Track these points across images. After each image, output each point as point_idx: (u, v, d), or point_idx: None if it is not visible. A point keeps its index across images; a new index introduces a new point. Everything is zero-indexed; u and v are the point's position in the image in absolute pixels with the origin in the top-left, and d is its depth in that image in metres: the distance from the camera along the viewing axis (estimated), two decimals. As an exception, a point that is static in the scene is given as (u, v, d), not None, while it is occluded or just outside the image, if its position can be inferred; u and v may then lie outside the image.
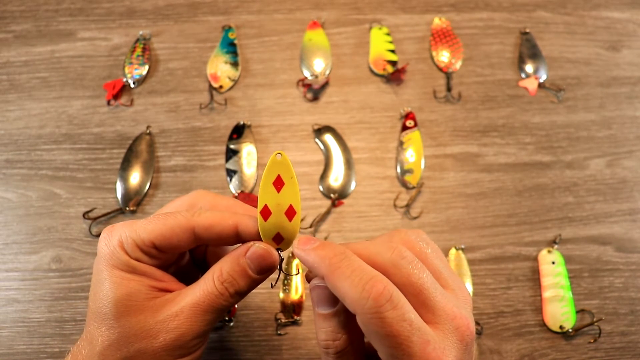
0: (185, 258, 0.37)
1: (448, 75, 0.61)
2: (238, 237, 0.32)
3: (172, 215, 0.32)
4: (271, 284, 0.35)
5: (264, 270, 0.32)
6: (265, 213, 0.31)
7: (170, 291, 0.33)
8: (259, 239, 0.32)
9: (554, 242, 0.53)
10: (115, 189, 0.53)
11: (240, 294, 0.32)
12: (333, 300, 0.30)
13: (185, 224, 0.31)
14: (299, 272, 0.50)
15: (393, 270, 0.29)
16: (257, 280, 0.32)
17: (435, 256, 0.32)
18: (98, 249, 0.32)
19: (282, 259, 0.32)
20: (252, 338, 0.48)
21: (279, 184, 0.31)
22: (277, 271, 0.33)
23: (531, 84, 0.61)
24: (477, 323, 0.49)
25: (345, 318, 0.30)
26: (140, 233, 0.31)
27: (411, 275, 0.29)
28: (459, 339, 0.29)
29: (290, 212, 0.31)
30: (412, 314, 0.27)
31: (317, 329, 0.31)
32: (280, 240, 0.32)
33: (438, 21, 0.64)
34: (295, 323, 0.48)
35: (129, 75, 0.59)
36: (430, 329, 0.28)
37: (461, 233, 0.53)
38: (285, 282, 0.49)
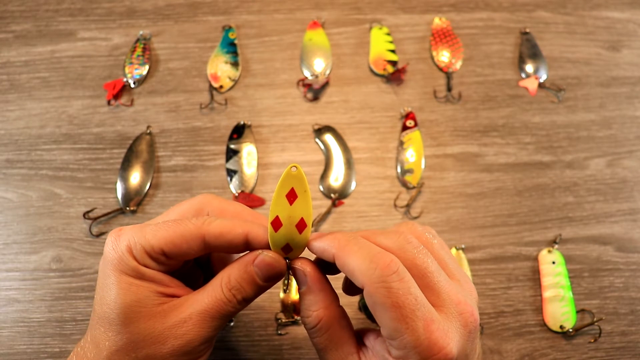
0: (190, 261, 0.37)
1: (448, 75, 0.61)
2: (247, 246, 0.32)
3: (183, 223, 0.31)
4: (283, 290, 0.36)
5: (271, 278, 0.32)
6: (276, 224, 0.31)
7: (177, 296, 0.33)
8: (268, 248, 0.32)
9: (554, 242, 0.53)
10: (115, 189, 0.53)
11: (247, 301, 0.33)
12: (304, 280, 0.32)
13: (196, 232, 0.31)
14: None
15: (398, 253, 0.30)
16: (263, 287, 0.33)
17: (441, 247, 0.33)
18: (104, 252, 0.32)
19: (289, 268, 0.32)
20: (252, 338, 0.48)
21: (292, 196, 0.31)
22: (286, 276, 0.33)
23: (531, 84, 0.61)
24: (477, 323, 0.49)
25: (315, 296, 0.32)
26: (149, 239, 0.31)
27: (416, 259, 0.30)
28: (463, 325, 0.29)
29: (301, 225, 0.31)
30: (417, 290, 0.28)
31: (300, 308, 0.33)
32: (289, 250, 0.32)
33: (438, 21, 0.64)
34: (295, 323, 0.48)
35: (129, 75, 0.59)
36: (434, 310, 0.29)
37: (461, 233, 0.53)
38: (286, 282, 0.49)
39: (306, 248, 0.33)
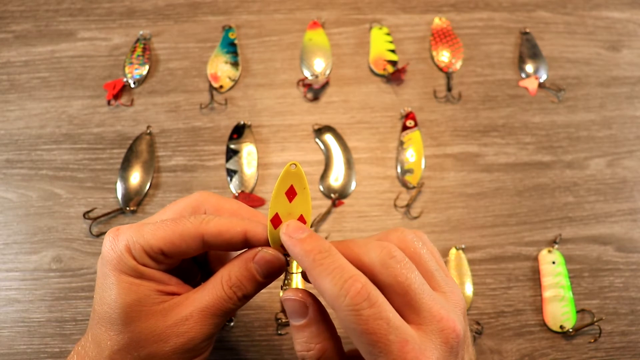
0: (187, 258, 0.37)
1: (448, 75, 0.61)
2: (246, 243, 0.32)
3: (181, 222, 0.31)
4: (281, 287, 0.36)
5: (271, 274, 0.32)
6: (276, 221, 0.31)
7: (176, 294, 0.33)
8: (267, 245, 0.32)
9: (554, 242, 0.53)
10: (115, 189, 0.53)
11: (247, 298, 0.33)
12: (304, 312, 0.31)
13: (194, 231, 0.31)
14: (299, 268, 0.50)
15: (380, 269, 0.29)
16: (263, 284, 0.33)
17: (429, 257, 0.32)
18: (103, 251, 0.32)
19: (288, 264, 0.32)
20: (252, 338, 0.48)
21: (291, 194, 0.31)
22: (285, 274, 0.33)
23: (531, 84, 0.61)
24: (477, 323, 0.49)
25: (318, 328, 0.31)
26: (148, 239, 0.31)
27: (398, 275, 0.29)
28: (443, 341, 0.29)
29: (301, 222, 0.31)
30: (390, 313, 0.27)
31: (293, 341, 0.32)
32: None
33: (438, 21, 0.64)
34: (295, 323, 0.48)
35: (129, 75, 0.59)
36: (411, 329, 0.28)
37: (461, 233, 0.53)
38: (286, 282, 0.49)
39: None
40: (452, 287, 0.32)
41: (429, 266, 0.32)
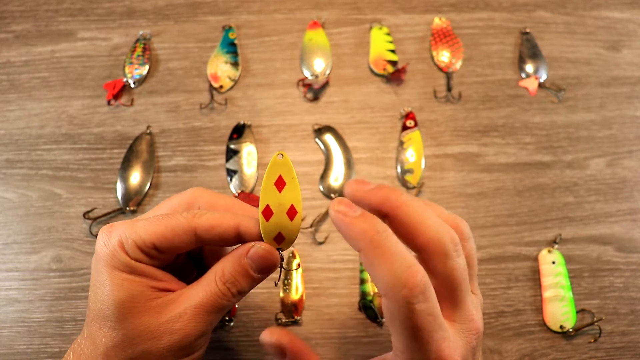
0: (182, 255, 0.37)
1: (448, 75, 0.61)
2: (239, 238, 0.32)
3: (174, 217, 0.32)
4: (275, 283, 0.36)
5: (265, 270, 0.32)
6: (267, 213, 0.31)
7: (170, 290, 0.33)
8: (260, 240, 0.32)
9: (554, 242, 0.53)
10: (115, 189, 0.53)
11: (242, 294, 0.33)
12: (281, 355, 0.31)
13: (187, 226, 0.31)
14: (299, 267, 0.50)
15: (441, 257, 0.28)
16: (258, 279, 0.33)
17: (474, 254, 0.32)
18: (96, 248, 0.32)
19: (282, 259, 0.32)
20: (252, 338, 0.48)
21: (280, 184, 0.31)
22: (278, 270, 0.33)
23: (531, 84, 0.61)
24: (477, 323, 0.49)
25: None
26: (140, 234, 0.31)
27: (455, 270, 0.29)
28: (468, 341, 0.29)
29: (292, 212, 0.31)
30: (438, 309, 0.28)
31: None
32: (281, 240, 0.32)
33: (438, 21, 0.64)
34: (295, 323, 0.48)
35: (129, 75, 0.59)
36: (447, 325, 0.29)
37: (461, 233, 0.53)
38: (285, 281, 0.49)
39: (295, 240, 0.33)
40: (477, 284, 0.33)
41: (473, 264, 0.32)
